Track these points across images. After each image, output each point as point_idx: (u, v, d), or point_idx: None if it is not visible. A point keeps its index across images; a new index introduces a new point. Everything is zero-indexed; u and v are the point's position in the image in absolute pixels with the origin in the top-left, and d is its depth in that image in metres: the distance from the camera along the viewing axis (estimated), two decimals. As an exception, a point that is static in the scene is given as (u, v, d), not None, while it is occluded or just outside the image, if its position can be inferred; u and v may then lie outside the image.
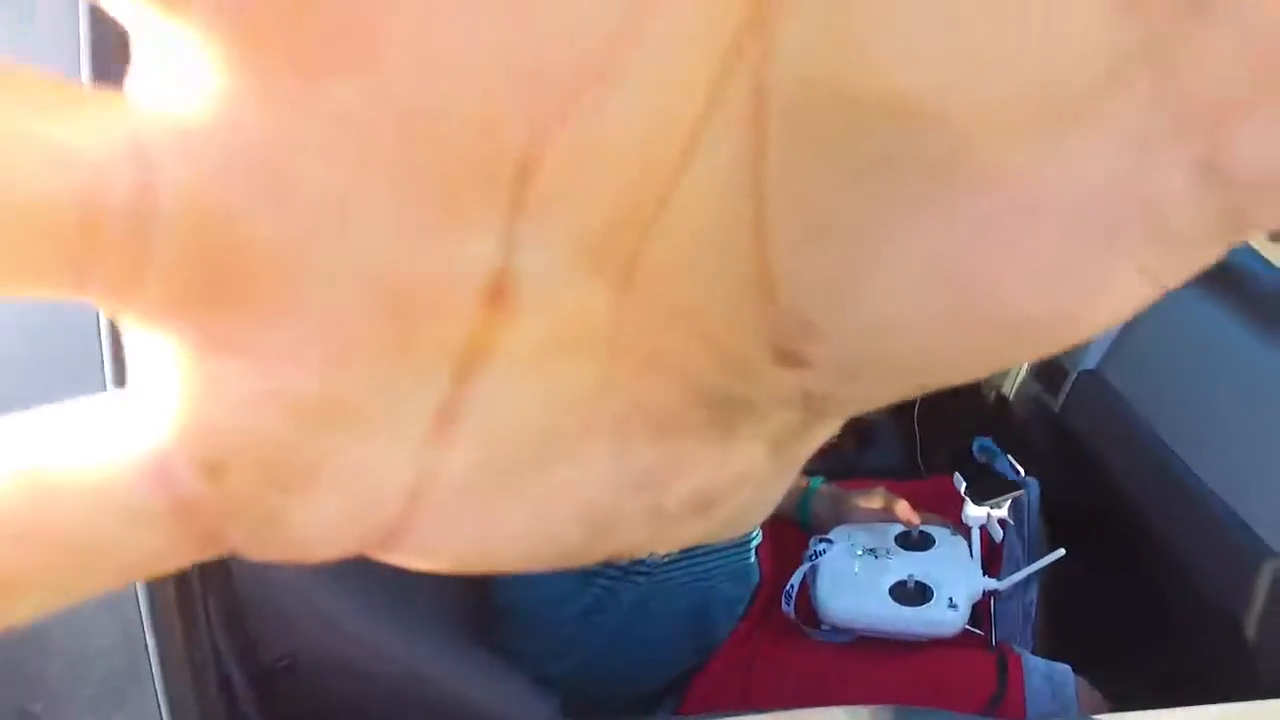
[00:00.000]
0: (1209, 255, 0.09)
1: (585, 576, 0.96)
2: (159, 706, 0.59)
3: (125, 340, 0.08)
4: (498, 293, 0.08)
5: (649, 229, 0.08)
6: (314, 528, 0.09)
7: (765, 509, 0.12)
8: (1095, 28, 0.08)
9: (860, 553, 1.01)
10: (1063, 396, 1.16)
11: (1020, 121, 0.08)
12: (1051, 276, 0.09)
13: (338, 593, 0.82)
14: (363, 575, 0.85)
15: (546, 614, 0.97)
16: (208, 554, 0.09)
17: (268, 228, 0.07)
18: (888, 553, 1.01)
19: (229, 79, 0.07)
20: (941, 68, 0.08)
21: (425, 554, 0.10)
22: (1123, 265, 0.09)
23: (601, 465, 0.10)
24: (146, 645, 0.58)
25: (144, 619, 0.58)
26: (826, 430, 0.12)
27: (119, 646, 0.59)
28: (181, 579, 0.60)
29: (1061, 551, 0.96)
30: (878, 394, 0.10)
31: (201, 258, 0.07)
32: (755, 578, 1.03)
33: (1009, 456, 1.14)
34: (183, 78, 0.07)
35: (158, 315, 0.08)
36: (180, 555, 0.09)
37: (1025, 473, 1.12)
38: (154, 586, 0.58)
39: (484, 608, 1.00)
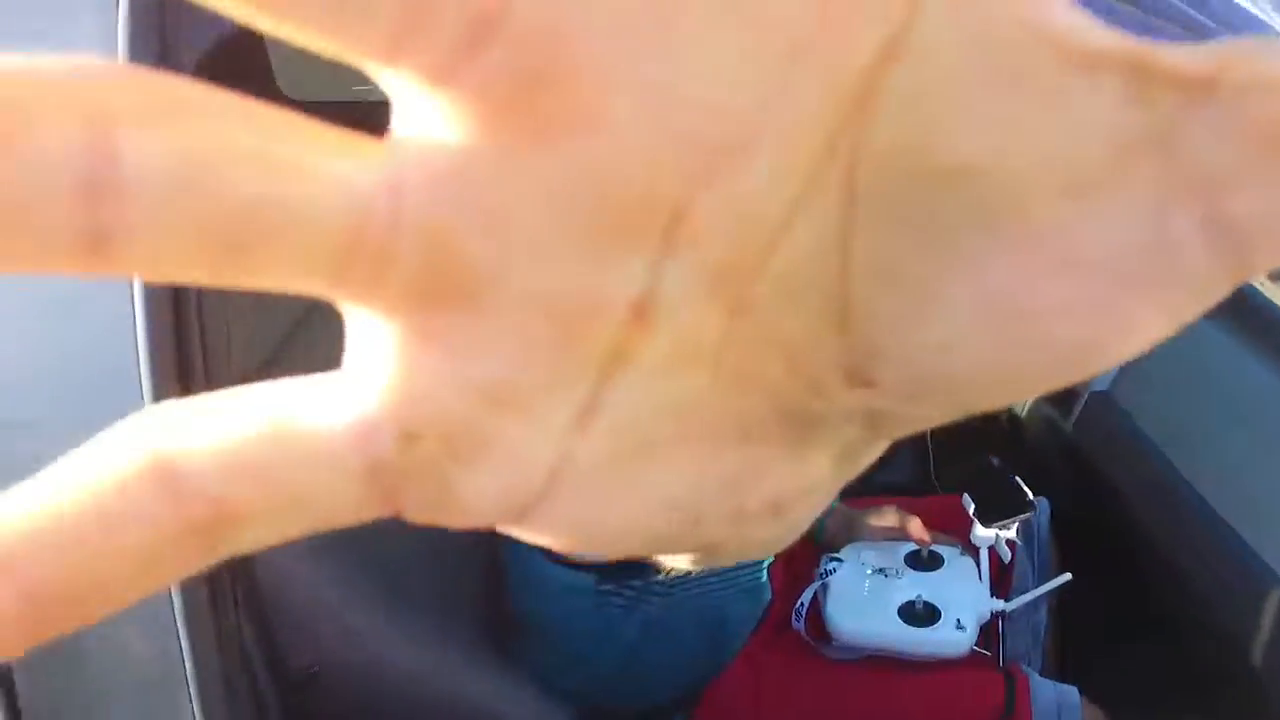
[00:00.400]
0: (1219, 294, 0.10)
1: (601, 594, 0.98)
2: (194, 714, 0.61)
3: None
4: (642, 310, 0.10)
5: (759, 268, 0.10)
6: (474, 496, 0.10)
7: (814, 517, 0.14)
8: (1108, 115, 0.10)
9: (870, 572, 1.03)
10: (1074, 418, 1.17)
11: (1056, 186, 0.10)
12: (1084, 313, 0.10)
13: (358, 603, 0.85)
14: (383, 586, 0.87)
15: (562, 629, 0.99)
16: (381, 513, 0.10)
17: (482, 253, 0.09)
18: (897, 573, 1.02)
19: (472, 138, 0.09)
20: (995, 143, 0.10)
21: (549, 528, 0.11)
22: (1145, 304, 0.10)
23: (698, 465, 0.12)
24: (181, 656, 0.61)
25: (179, 629, 0.61)
26: (880, 447, 0.13)
27: (153, 657, 0.61)
28: (215, 590, 0.62)
29: (1068, 576, 0.97)
30: (934, 413, 0.12)
31: (428, 271, 0.09)
32: (767, 595, 1.05)
33: (1018, 477, 1.15)
34: (436, 131, 0.09)
35: (386, 310, 0.09)
36: (363, 510, 0.10)
37: (1036, 493, 1.13)
38: (188, 597, 0.60)
39: (501, 620, 1.02)
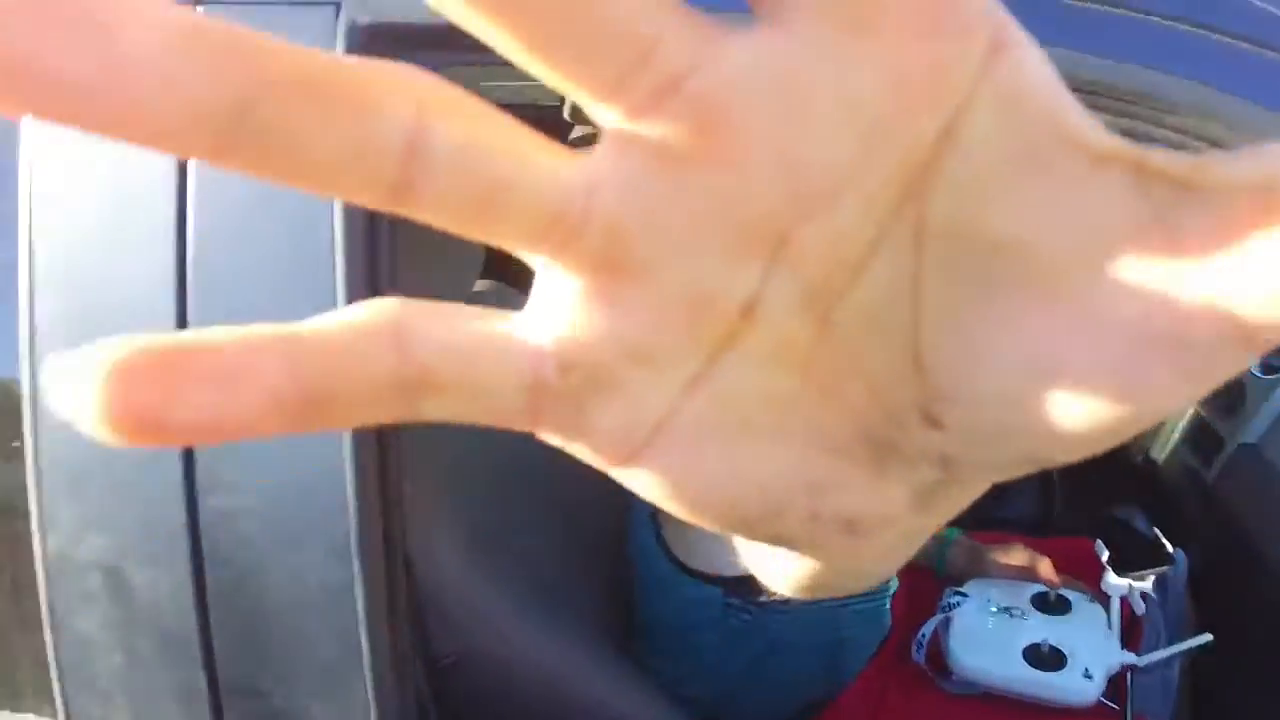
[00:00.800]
0: (1235, 362, 0.12)
1: (727, 608, 1.00)
2: (367, 695, 0.67)
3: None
4: (750, 309, 0.13)
5: (843, 294, 0.13)
6: (599, 426, 0.13)
7: (902, 558, 0.16)
8: (1119, 201, 0.12)
9: (994, 610, 1.02)
10: (1217, 469, 1.13)
11: (1080, 258, 0.12)
12: (1108, 372, 0.12)
13: (495, 595, 0.89)
14: (520, 583, 0.91)
15: (687, 639, 1.02)
16: (524, 425, 0.13)
17: (644, 245, 0.12)
18: (1023, 613, 1.01)
19: (648, 161, 0.12)
20: (1029, 220, 0.12)
21: (649, 474, 0.14)
22: (1164, 366, 0.12)
23: (786, 457, 0.14)
24: (360, 640, 0.66)
25: (360, 616, 0.66)
26: (964, 494, 0.15)
27: (335, 639, 0.67)
28: (392, 582, 0.67)
29: (1208, 637, 0.94)
30: (1000, 462, 0.14)
31: (604, 250, 0.12)
32: (887, 622, 1.06)
33: (1155, 529, 1.12)
34: (624, 151, 0.12)
35: (570, 269, 0.12)
36: (514, 417, 0.13)
37: (1172, 544, 1.10)
38: (371, 589, 0.65)
39: (626, 625, 1.05)
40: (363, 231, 0.60)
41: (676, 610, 1.02)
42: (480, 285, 1.14)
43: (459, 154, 0.11)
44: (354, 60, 0.10)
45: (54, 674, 0.72)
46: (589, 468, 0.14)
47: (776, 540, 0.15)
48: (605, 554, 1.06)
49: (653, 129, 0.11)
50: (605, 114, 0.12)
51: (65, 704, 0.72)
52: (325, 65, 0.10)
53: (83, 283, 0.65)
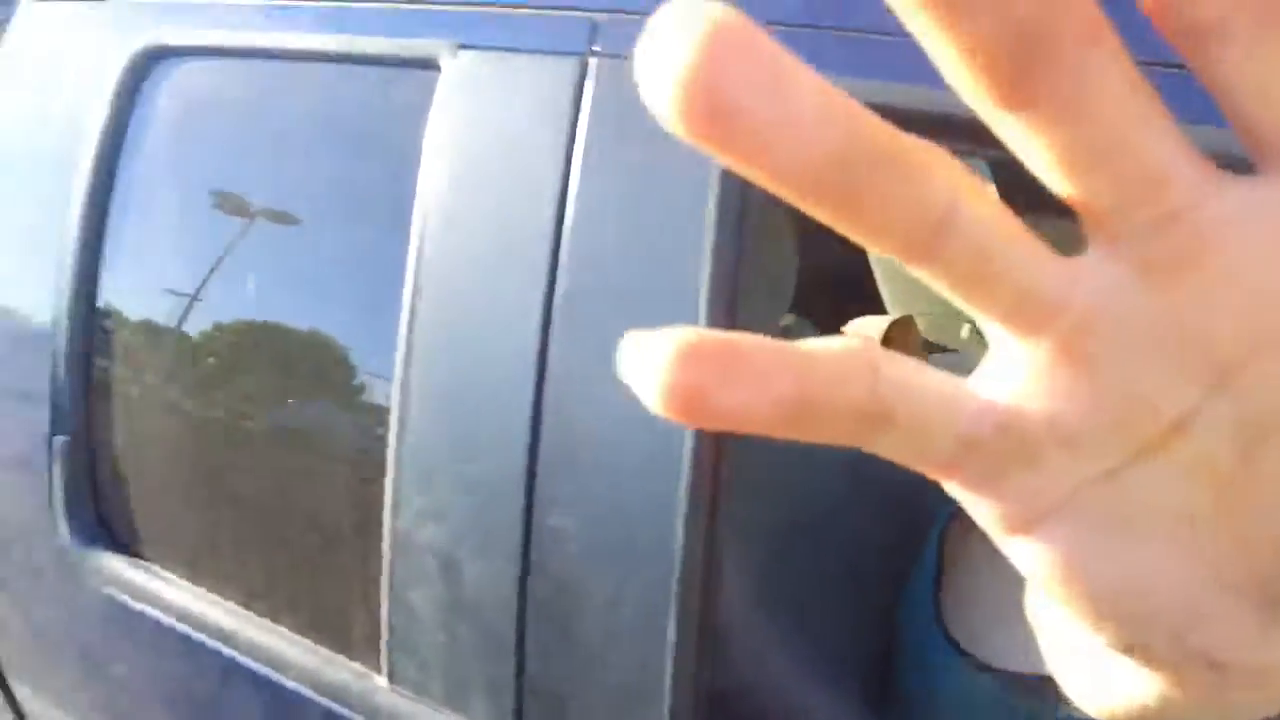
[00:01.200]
0: None
1: (997, 702, 0.96)
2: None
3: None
4: (1182, 424, 0.13)
5: (1276, 434, 0.13)
6: (1009, 491, 0.14)
7: (1256, 713, 0.16)
8: None
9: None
10: None
11: None
12: None
13: (770, 634, 0.90)
14: (792, 626, 0.92)
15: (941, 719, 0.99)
16: (935, 474, 0.14)
17: (1103, 340, 0.13)
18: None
19: (1125, 274, 0.13)
20: None
21: (1039, 548, 0.14)
22: None
23: (1175, 573, 0.14)
24: (664, 673, 0.69)
25: (668, 651, 0.69)
26: None
27: (640, 665, 0.70)
28: (704, 625, 0.70)
29: None
30: None
31: (1070, 336, 0.13)
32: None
33: None
34: (1106, 260, 0.13)
35: (1033, 346, 0.13)
36: (930, 465, 0.14)
37: None
38: (683, 627, 0.68)
39: (882, 688, 1.04)
40: (726, 274, 0.63)
41: (942, 690, 0.99)
42: (785, 320, 1.18)
43: (977, 228, 0.12)
44: (910, 136, 0.12)
45: (383, 633, 0.81)
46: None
47: (1137, 650, 0.15)
48: (873, 617, 1.05)
49: (1145, 247, 0.13)
50: (1101, 233, 0.13)
51: (389, 662, 0.81)
52: (897, 135, 0.12)
53: (456, 297, 0.72)
